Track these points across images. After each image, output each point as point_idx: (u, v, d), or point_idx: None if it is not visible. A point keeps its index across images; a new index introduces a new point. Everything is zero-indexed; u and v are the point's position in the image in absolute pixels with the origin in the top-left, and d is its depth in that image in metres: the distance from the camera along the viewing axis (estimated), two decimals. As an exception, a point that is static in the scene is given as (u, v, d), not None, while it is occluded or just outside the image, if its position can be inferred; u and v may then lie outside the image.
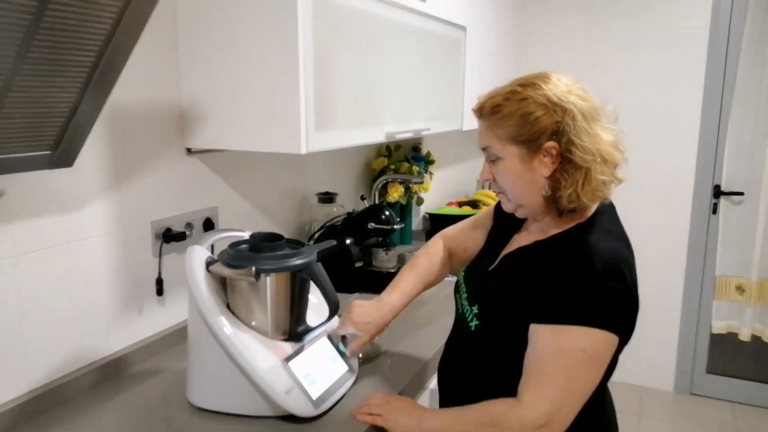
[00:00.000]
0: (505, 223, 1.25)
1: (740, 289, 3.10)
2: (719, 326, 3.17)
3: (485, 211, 1.38)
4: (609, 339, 1.00)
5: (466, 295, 1.22)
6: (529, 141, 1.05)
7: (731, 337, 3.18)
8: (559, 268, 1.03)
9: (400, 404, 1.17)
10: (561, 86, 1.06)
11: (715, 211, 3.12)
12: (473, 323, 1.15)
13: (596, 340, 0.99)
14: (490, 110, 1.08)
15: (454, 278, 1.34)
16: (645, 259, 3.29)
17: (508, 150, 1.07)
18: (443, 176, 3.09)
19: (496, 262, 1.20)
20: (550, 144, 1.04)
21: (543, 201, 1.09)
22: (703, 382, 3.32)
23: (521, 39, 3.35)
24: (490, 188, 2.94)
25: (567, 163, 1.04)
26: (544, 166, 1.05)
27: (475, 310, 1.15)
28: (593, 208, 1.10)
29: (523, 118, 1.04)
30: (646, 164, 3.18)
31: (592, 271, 0.99)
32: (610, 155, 1.05)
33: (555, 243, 1.09)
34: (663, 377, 3.37)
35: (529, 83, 1.07)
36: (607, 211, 1.12)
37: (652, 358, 3.34)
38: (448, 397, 1.25)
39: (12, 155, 0.97)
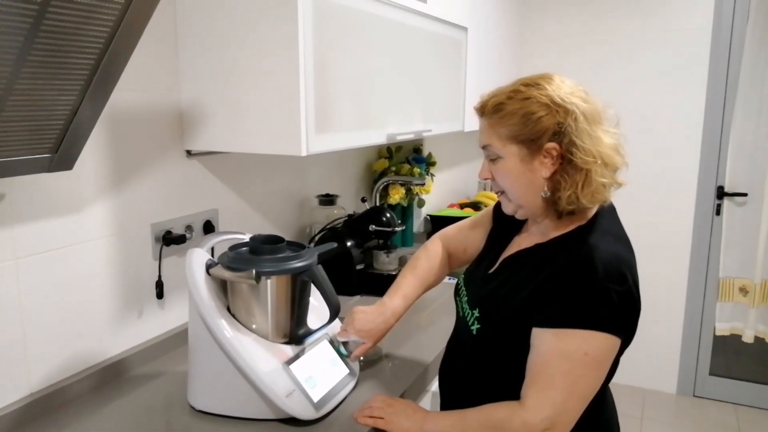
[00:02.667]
0: (504, 225, 1.25)
1: (743, 290, 3.09)
2: (722, 328, 3.15)
3: (484, 212, 1.38)
4: (611, 342, 1.00)
5: (466, 298, 1.22)
6: (530, 141, 1.04)
7: (734, 338, 3.16)
8: (561, 271, 1.02)
9: (401, 407, 1.17)
10: (564, 88, 1.05)
11: (718, 212, 3.11)
12: (474, 327, 1.14)
13: (598, 343, 0.99)
14: (492, 108, 1.08)
15: (454, 280, 1.34)
16: (648, 260, 3.29)
17: (509, 149, 1.07)
18: (444, 178, 3.09)
19: (497, 264, 1.19)
20: (551, 145, 1.03)
21: (542, 202, 1.08)
22: (706, 384, 3.30)
23: (523, 40, 3.35)
24: (491, 189, 2.94)
25: (567, 164, 1.04)
26: (544, 167, 1.05)
27: (477, 313, 1.15)
28: (594, 210, 1.10)
29: (525, 118, 1.04)
30: (649, 165, 3.18)
31: (593, 274, 0.99)
32: (611, 158, 1.05)
33: (556, 246, 1.08)
34: (666, 379, 3.36)
35: (532, 83, 1.07)
36: (608, 213, 1.12)
37: (655, 360, 3.33)
38: (449, 400, 1.25)
39: (12, 158, 0.96)
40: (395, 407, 1.17)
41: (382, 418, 1.15)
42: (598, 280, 0.98)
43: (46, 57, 0.87)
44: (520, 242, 1.18)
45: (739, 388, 3.24)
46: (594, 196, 1.04)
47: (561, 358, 0.99)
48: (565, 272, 1.01)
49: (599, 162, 1.03)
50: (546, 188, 1.06)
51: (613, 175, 1.07)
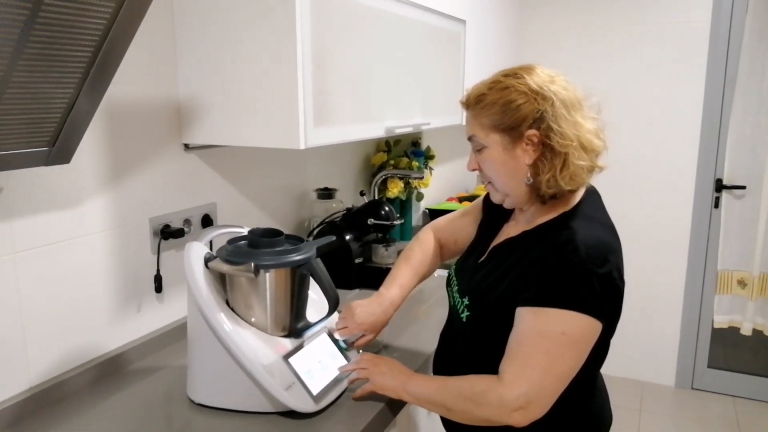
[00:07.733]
0: (494, 215, 1.27)
1: (742, 283, 3.09)
2: (721, 320, 3.16)
3: (474, 202, 1.40)
4: (590, 324, 1.01)
5: (457, 287, 1.24)
6: (511, 129, 1.07)
7: (733, 331, 3.17)
8: (544, 254, 1.04)
9: (387, 367, 1.21)
10: (543, 76, 1.08)
11: (717, 205, 3.12)
12: (464, 314, 1.16)
13: (577, 323, 1.00)
14: (474, 100, 1.11)
15: (447, 272, 1.35)
16: (647, 253, 3.29)
17: (492, 138, 1.09)
18: (443, 171, 3.09)
19: (486, 254, 1.21)
20: (532, 132, 1.05)
21: (527, 189, 1.10)
22: (704, 376, 3.31)
23: (521, 33, 3.34)
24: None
25: (547, 149, 1.06)
26: (526, 154, 1.07)
27: (466, 301, 1.17)
28: (578, 197, 1.12)
29: (504, 106, 1.06)
30: (648, 158, 3.17)
31: (575, 256, 1.00)
32: (590, 142, 1.07)
33: (541, 232, 1.10)
34: (664, 372, 3.37)
35: (512, 73, 1.10)
36: (591, 199, 1.14)
37: (654, 352, 3.34)
38: None
39: (9, 152, 0.96)
40: (380, 366, 1.21)
41: (365, 369, 1.21)
42: (579, 261, 1.00)
43: (43, 49, 0.87)
44: (509, 231, 1.20)
45: (738, 381, 3.25)
46: (572, 179, 1.06)
47: (539, 337, 1.01)
48: (549, 255, 1.03)
49: (575, 144, 1.05)
50: (529, 175, 1.08)
51: (592, 159, 1.08)
